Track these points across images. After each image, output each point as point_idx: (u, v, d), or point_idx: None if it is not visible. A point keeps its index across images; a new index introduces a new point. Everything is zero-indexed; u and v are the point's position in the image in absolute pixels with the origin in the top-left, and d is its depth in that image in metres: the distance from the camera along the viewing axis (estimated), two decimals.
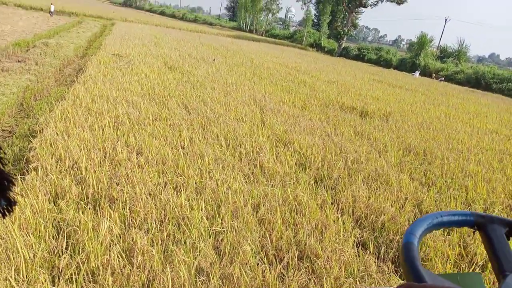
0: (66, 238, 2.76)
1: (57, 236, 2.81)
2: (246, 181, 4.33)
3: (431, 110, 11.44)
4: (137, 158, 4.35)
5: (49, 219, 3.02)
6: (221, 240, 3.07)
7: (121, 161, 4.23)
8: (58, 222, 3.03)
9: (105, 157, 4.27)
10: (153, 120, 5.88)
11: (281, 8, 59.49)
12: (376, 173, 5.20)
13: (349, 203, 4.14)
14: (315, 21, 51.88)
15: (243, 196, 3.86)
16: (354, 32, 42.10)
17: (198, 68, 11.96)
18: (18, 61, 10.87)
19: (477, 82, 27.18)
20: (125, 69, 9.56)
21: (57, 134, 4.67)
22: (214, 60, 14.61)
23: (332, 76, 16.55)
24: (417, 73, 28.89)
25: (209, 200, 3.67)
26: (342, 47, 40.43)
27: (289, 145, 5.83)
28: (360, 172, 5.12)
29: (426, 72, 30.44)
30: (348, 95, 11.66)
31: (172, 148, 4.87)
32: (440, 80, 27.50)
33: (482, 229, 0.79)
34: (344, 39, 40.36)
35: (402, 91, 15.65)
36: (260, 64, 16.27)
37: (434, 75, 29.27)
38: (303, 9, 50.19)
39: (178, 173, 4.19)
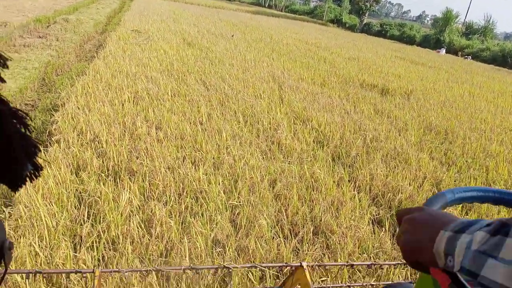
0: (88, 208, 2.85)
1: (79, 206, 2.90)
2: (263, 158, 4.35)
3: (454, 89, 11.14)
4: (156, 133, 4.40)
5: (71, 189, 3.11)
6: (237, 213, 3.11)
7: (140, 135, 4.29)
8: (80, 192, 3.12)
9: (125, 131, 4.34)
10: (171, 96, 5.92)
11: None
12: (395, 151, 5.14)
13: (367, 181, 4.13)
14: None
15: (260, 172, 3.88)
16: (377, 8, 40.84)
17: (217, 44, 11.89)
18: (39, 37, 11.01)
19: (504, 60, 26.21)
20: (144, 45, 9.58)
21: (78, 108, 4.75)
22: (232, 36, 14.48)
23: (353, 52, 16.22)
24: (443, 51, 27.82)
25: (226, 175, 3.71)
26: (363, 23, 39.40)
27: (307, 123, 5.80)
28: (379, 151, 5.07)
29: (451, 49, 29.48)
30: (369, 72, 11.44)
31: (190, 123, 4.91)
32: (465, 58, 26.60)
33: None
34: (366, 14, 39.27)
35: (425, 68, 15.24)
36: (279, 40, 16.04)
37: (460, 52, 28.21)
38: None
39: (197, 148, 4.24)
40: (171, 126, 4.66)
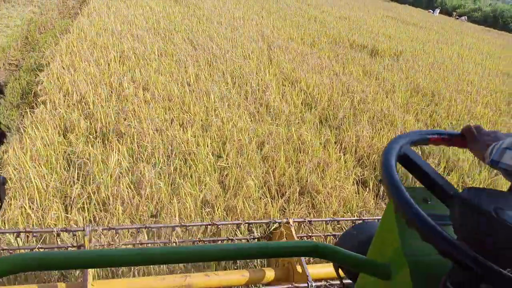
0: (77, 170, 2.88)
1: (68, 168, 2.93)
2: (251, 120, 4.38)
3: (443, 50, 11.12)
4: (143, 94, 4.37)
5: (59, 151, 3.12)
6: (226, 175, 3.18)
7: (127, 96, 4.26)
8: (69, 154, 3.14)
9: (112, 92, 4.30)
10: (158, 56, 5.81)
11: None
12: (382, 113, 5.20)
13: (352, 142, 4.21)
14: None
15: (248, 134, 3.92)
16: None
17: (205, 1, 11.53)
18: None
19: (495, 20, 26.05)
20: (129, 1, 9.25)
21: (64, 68, 4.66)
22: None
23: (344, 11, 15.91)
24: (437, 11, 27.23)
25: (214, 137, 3.75)
26: None
27: (296, 84, 5.79)
28: (366, 112, 5.13)
29: (443, 10, 29.05)
30: (359, 33, 11.30)
31: (178, 84, 4.87)
32: (457, 18, 26.25)
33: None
34: None
35: (416, 29, 15.09)
36: None
37: (455, 13, 27.70)
38: None
39: (184, 110, 4.24)
40: (159, 87, 4.62)
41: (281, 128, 4.19)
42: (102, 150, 3.20)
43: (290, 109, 4.82)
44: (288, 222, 1.84)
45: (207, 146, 3.56)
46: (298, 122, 4.56)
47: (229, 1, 12.48)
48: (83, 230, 1.84)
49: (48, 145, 3.13)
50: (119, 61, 5.30)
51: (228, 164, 3.35)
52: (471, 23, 25.61)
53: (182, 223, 2.14)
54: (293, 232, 1.90)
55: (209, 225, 2.07)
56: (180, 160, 3.29)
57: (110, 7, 8.31)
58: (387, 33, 12.21)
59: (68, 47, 5.40)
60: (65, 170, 2.91)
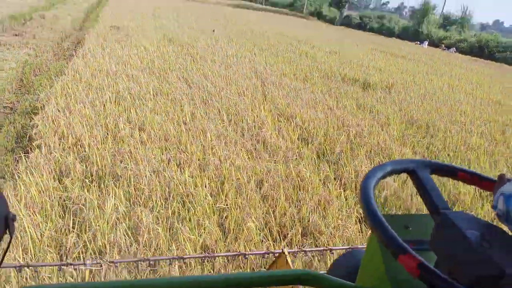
0: (73, 216, 2.79)
1: (63, 215, 2.84)
2: (248, 157, 4.34)
3: (434, 81, 11.33)
4: (139, 135, 4.34)
5: (54, 197, 3.04)
6: (225, 217, 3.10)
7: (123, 137, 4.23)
8: (64, 200, 3.06)
9: (107, 133, 4.26)
10: (154, 95, 5.83)
11: None
12: (379, 147, 5.19)
13: (352, 178, 4.17)
14: None
15: (246, 173, 3.87)
16: (356, 0, 41.10)
17: (198, 40, 11.77)
18: (16, 35, 10.68)
19: (480, 50, 26.78)
20: (124, 42, 9.41)
21: (59, 110, 4.64)
22: (213, 31, 14.36)
23: (333, 46, 16.30)
24: (425, 43, 27.81)
25: (212, 177, 3.69)
26: (344, 15, 39.61)
27: (291, 120, 5.80)
28: (363, 146, 5.12)
29: (429, 41, 29.89)
30: (350, 66, 11.52)
31: (174, 123, 4.85)
32: (444, 49, 26.92)
33: (413, 173, 0.88)
34: (346, 7, 39.49)
35: (405, 61, 15.44)
36: (261, 35, 16.00)
37: (443, 44, 28.32)
38: None
39: (181, 150, 4.20)
40: (155, 127, 4.60)
41: (279, 165, 4.15)
42: (98, 195, 3.13)
43: (287, 144, 4.80)
44: (283, 252, 1.78)
45: (205, 186, 3.50)
46: (296, 158, 4.53)
47: (222, 40, 12.75)
48: (83, 264, 1.74)
49: (43, 191, 3.05)
50: (115, 102, 5.30)
51: (227, 205, 3.28)
52: (458, 53, 26.29)
53: (179, 256, 2.08)
54: (289, 261, 1.85)
55: (206, 257, 2.00)
56: (178, 203, 3.22)
57: (105, 48, 8.43)
58: (377, 66, 12.47)
59: (63, 89, 5.41)
60: (60, 217, 2.82)
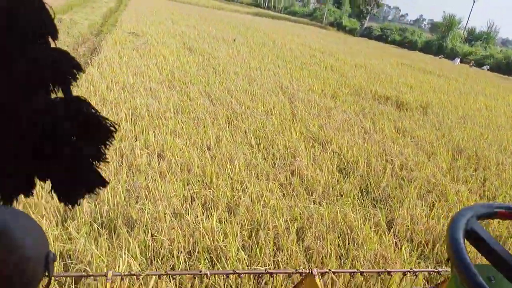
0: (74, 284, 2.19)
1: (64, 280, 2.24)
2: (283, 194, 3.72)
3: (469, 101, 10.58)
4: (158, 163, 3.75)
5: (55, 249, 2.45)
6: (264, 283, 2.47)
7: (140, 166, 3.64)
8: (67, 252, 2.47)
9: (121, 162, 3.69)
10: (174, 113, 5.26)
11: None
12: (429, 183, 4.52)
13: (407, 225, 3.50)
14: None
15: (283, 216, 3.25)
16: (376, 11, 40.30)
17: (219, 50, 11.24)
18: None
19: (508, 67, 25.80)
20: (142, 50, 8.91)
21: None
22: (234, 40, 13.84)
23: (358, 59, 15.64)
24: (457, 60, 26.27)
25: (244, 223, 3.07)
26: (364, 26, 38.88)
27: (326, 145, 5.17)
28: (412, 182, 4.45)
29: (453, 57, 28.99)
30: (379, 82, 10.86)
31: (197, 149, 4.26)
32: (471, 66, 25.78)
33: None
34: (367, 18, 38.76)
35: (434, 77, 14.70)
36: (283, 45, 15.43)
37: (472, 61, 26.88)
38: None
39: (206, 184, 3.59)
40: (176, 153, 4.01)
41: (321, 207, 3.52)
42: (109, 247, 2.54)
43: (325, 178, 4.16)
44: (311, 273, 1.65)
45: (236, 236, 2.88)
46: (337, 196, 3.89)
47: (243, 50, 12.21)
48: (105, 275, 1.58)
49: None
50: (131, 120, 4.74)
51: (264, 264, 2.65)
52: (489, 71, 25.36)
53: (203, 271, 1.72)
54: (318, 283, 1.62)
55: (230, 273, 1.72)
56: (205, 259, 2.61)
57: (122, 57, 7.93)
58: (407, 82, 11.77)
59: None
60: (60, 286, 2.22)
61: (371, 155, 5.03)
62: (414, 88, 10.95)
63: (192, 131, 4.72)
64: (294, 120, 6.04)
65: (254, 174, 3.95)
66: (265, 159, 4.44)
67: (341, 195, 3.94)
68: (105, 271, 1.64)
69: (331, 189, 3.97)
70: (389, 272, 1.86)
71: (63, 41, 10.19)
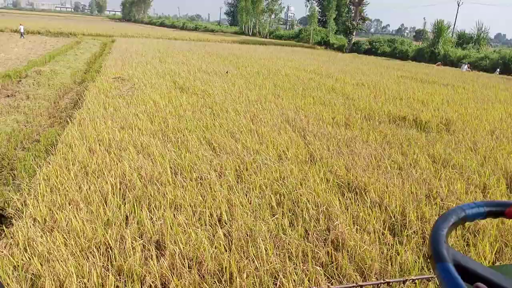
0: None
1: None
2: (331, 283, 2.74)
3: (488, 111, 9.73)
4: (158, 261, 2.78)
5: None
6: None
7: (133, 269, 2.67)
8: None
9: (108, 266, 2.71)
10: (172, 175, 4.32)
11: (283, 7, 57.95)
12: (501, 235, 3.55)
13: None
14: (319, 17, 50.24)
15: None
16: (364, 25, 40.11)
17: (212, 85, 10.42)
18: (7, 96, 9.47)
19: (505, 67, 25.20)
20: (129, 97, 8.04)
21: (35, 223, 3.13)
22: (227, 72, 13.07)
23: (357, 77, 14.91)
24: (464, 67, 25.29)
25: None
26: (352, 42, 38.60)
27: (361, 193, 4.22)
28: (483, 237, 3.48)
29: (448, 62, 28.47)
30: (388, 101, 10.02)
31: (206, 227, 3.30)
32: (468, 70, 25.06)
33: None
34: (354, 33, 38.52)
35: (440, 87, 13.92)
36: (277, 71, 14.68)
37: (468, 65, 26.07)
38: (307, 6, 48.56)
39: (225, 284, 2.62)
40: (179, 241, 3.04)
41: None
42: None
43: (377, 248, 3.18)
44: None
45: None
46: (398, 270, 2.92)
47: (238, 82, 11.40)
48: None
49: None
50: (119, 194, 3.79)
51: None
52: (481, 71, 24.74)
53: None
54: None
55: None
56: None
57: (107, 107, 7.04)
58: (416, 97, 10.95)
59: (48, 179, 3.93)
60: None
61: (419, 200, 4.08)
62: (427, 103, 10.11)
63: (197, 200, 3.76)
64: (313, 163, 5.11)
65: (286, 255, 2.98)
66: (293, 225, 3.48)
67: (402, 269, 2.97)
68: None
69: (389, 263, 2.99)
70: (388, 283, 1.77)
71: (43, 95, 9.35)
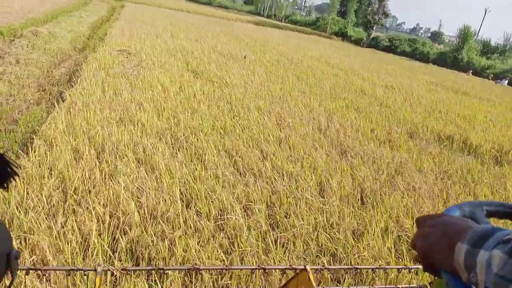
0: None
1: None
2: None
3: None
4: None
5: None
6: None
7: None
8: None
9: None
10: (183, 207, 3.12)
11: None
12: None
13: None
14: (339, 8, 48.38)
15: None
16: (385, 21, 38.48)
17: (229, 71, 9.13)
18: None
19: None
20: (134, 77, 6.77)
21: None
22: (245, 57, 11.75)
23: (384, 77, 13.63)
24: (504, 82, 23.47)
25: None
26: (371, 37, 36.98)
27: None
28: None
29: (473, 70, 27.09)
30: (427, 112, 8.82)
31: None
32: (497, 82, 23.35)
33: None
34: (374, 28, 36.86)
35: (476, 100, 12.69)
36: (299, 62, 13.37)
37: (497, 78, 24.13)
38: None
39: None
40: None
41: None
42: None
43: None
44: (305, 269, 1.43)
45: None
46: None
47: (258, 70, 10.11)
48: (95, 270, 1.27)
49: None
50: (107, 234, 2.59)
51: None
52: (507, 85, 23.42)
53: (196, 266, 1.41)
54: (312, 279, 1.39)
55: (223, 269, 1.69)
56: None
57: (106, 89, 5.79)
58: (455, 110, 9.74)
59: (8, 203, 2.72)
60: None
61: None
62: (470, 120, 8.89)
63: (217, 257, 2.57)
64: (366, 200, 3.93)
65: None
66: None
67: None
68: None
69: None
70: (384, 269, 1.74)
71: (36, 61, 8.08)
